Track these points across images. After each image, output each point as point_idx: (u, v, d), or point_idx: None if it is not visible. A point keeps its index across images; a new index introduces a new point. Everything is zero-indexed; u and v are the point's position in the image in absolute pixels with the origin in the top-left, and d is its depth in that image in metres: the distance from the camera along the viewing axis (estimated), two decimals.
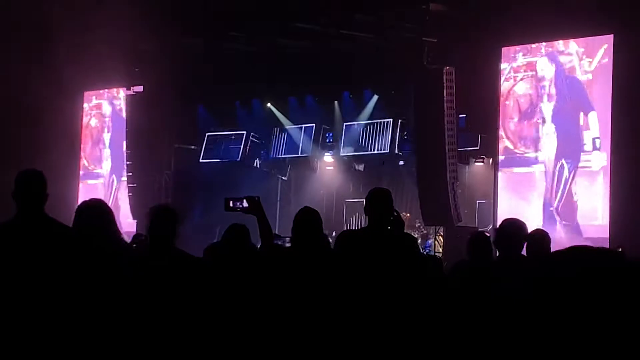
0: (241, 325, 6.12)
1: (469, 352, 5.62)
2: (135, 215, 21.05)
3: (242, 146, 23.26)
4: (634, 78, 15.54)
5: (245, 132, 23.21)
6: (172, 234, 6.03)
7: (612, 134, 15.95)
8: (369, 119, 21.65)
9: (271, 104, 22.85)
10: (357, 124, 21.84)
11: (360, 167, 22.46)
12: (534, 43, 17.33)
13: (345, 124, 22.08)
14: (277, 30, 19.27)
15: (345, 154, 22.29)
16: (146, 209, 6.60)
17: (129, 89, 22.23)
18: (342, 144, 22.24)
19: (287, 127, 22.77)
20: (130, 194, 21.87)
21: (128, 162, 22.17)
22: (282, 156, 23.19)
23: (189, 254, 6.39)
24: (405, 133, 21.11)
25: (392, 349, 5.66)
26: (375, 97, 21.34)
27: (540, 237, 6.99)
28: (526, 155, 17.31)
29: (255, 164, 23.42)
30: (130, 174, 22.09)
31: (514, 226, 6.85)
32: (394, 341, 5.67)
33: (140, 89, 22.02)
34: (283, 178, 23.72)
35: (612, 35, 16.09)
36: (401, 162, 21.66)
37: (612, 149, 15.92)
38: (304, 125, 22.61)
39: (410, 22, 18.11)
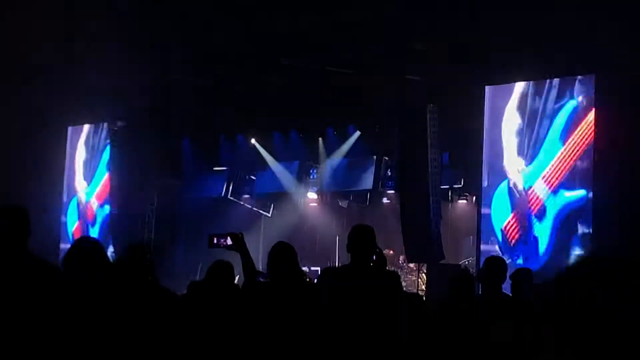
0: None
1: None
2: (116, 249, 20.99)
3: (226, 182, 23.28)
4: (615, 117, 15.66)
5: (228, 168, 23.23)
6: (149, 272, 6.13)
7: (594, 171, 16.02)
8: (352, 156, 21.70)
9: (255, 140, 22.90)
10: (341, 160, 21.89)
11: (344, 204, 22.49)
12: (517, 82, 17.43)
13: (328, 160, 22.14)
14: (262, 66, 19.34)
15: (329, 191, 22.33)
16: (130, 242, 6.66)
17: (113, 124, 22.24)
18: (325, 180, 22.27)
19: (271, 163, 22.80)
20: (111, 228, 21.81)
21: (111, 197, 22.12)
22: (266, 192, 23.20)
23: (169, 290, 6.40)
24: (388, 170, 21.19)
25: None
26: (358, 133, 21.40)
27: (523, 277, 7.04)
28: None
29: (239, 200, 23.43)
30: (115, 211, 22.05)
31: (497, 264, 6.90)
32: None
33: (124, 123, 22.05)
34: (266, 214, 23.70)
35: (594, 74, 16.21)
36: (385, 200, 21.72)
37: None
38: (289, 162, 22.67)
39: (394, 60, 18.21)
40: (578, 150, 16.28)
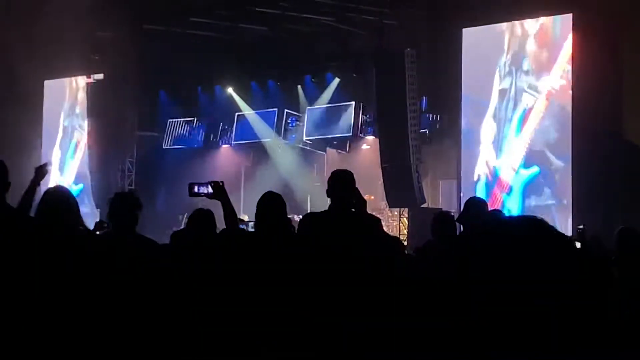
0: (204, 310, 6.12)
1: (432, 333, 5.67)
2: (97, 202, 20.94)
3: (204, 132, 23.23)
4: (592, 56, 15.67)
5: (207, 119, 23.17)
6: (134, 220, 6.13)
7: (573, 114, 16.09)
8: (330, 103, 21.66)
9: (233, 90, 22.80)
10: (320, 107, 21.85)
11: (324, 151, 22.47)
12: (494, 23, 17.40)
13: (308, 107, 22.07)
14: (238, 15, 19.21)
15: (309, 138, 22.29)
16: (109, 196, 6.63)
17: (89, 76, 22.09)
18: (305, 128, 22.23)
19: (248, 112, 22.73)
20: (92, 182, 21.76)
21: (90, 150, 22.04)
22: (245, 141, 23.16)
23: (152, 240, 6.40)
24: (367, 116, 21.16)
25: (354, 329, 5.70)
26: (337, 80, 21.34)
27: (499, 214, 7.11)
28: None
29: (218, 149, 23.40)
30: (93, 161, 21.98)
31: (477, 205, 6.93)
32: (357, 322, 5.70)
33: (100, 76, 21.91)
34: (246, 164, 23.66)
35: (571, 14, 16.19)
36: (365, 146, 21.72)
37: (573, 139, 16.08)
38: (266, 110, 22.61)
39: (372, 5, 18.11)
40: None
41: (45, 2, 17.96)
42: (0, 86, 20.73)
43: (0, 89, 20.79)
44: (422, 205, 17.75)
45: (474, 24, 17.57)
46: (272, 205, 6.40)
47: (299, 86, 22.18)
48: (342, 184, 6.29)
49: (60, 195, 5.72)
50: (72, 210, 5.60)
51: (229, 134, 23.30)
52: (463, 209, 7.01)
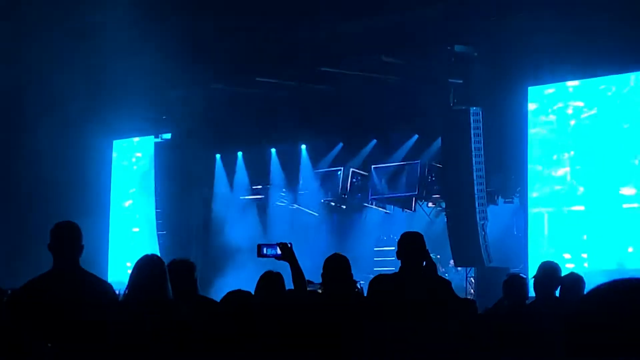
0: None
1: None
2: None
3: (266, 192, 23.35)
4: None
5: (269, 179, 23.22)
6: (193, 286, 6.25)
7: None
8: (395, 161, 21.60)
9: (306, 149, 22.78)
10: (385, 166, 21.81)
11: (389, 210, 22.39)
12: (560, 82, 17.32)
13: (373, 166, 22.03)
14: (304, 75, 19.38)
15: (375, 197, 22.24)
16: (176, 256, 6.71)
17: (157, 136, 22.39)
18: (371, 187, 22.18)
19: (316, 171, 22.76)
20: (160, 241, 21.91)
21: (158, 210, 22.24)
22: (314, 201, 23.17)
23: (214, 301, 6.43)
24: (432, 175, 21.04)
25: None
26: (415, 137, 21.17)
27: (574, 281, 7.00)
28: None
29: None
30: (160, 221, 22.16)
31: (551, 269, 6.86)
32: None
33: (168, 136, 22.22)
34: (313, 222, 23.63)
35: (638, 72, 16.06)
36: (430, 204, 21.59)
37: None
38: (332, 169, 22.62)
39: (436, 64, 18.14)
40: None
41: (113, 61, 18.29)
42: (70, 146, 21.07)
43: (69, 149, 21.13)
44: (490, 265, 17.55)
45: (539, 83, 17.53)
46: (339, 266, 6.40)
47: (364, 146, 22.12)
48: (412, 246, 6.26)
49: (156, 265, 5.74)
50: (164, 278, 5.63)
51: (296, 192, 23.32)
52: (537, 273, 6.93)
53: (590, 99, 16.97)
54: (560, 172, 17.30)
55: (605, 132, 16.64)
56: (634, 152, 16.23)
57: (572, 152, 17.14)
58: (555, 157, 17.38)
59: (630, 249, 15.95)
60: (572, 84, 17.23)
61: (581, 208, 16.86)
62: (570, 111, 17.23)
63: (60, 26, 17.50)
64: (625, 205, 16.21)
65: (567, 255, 16.57)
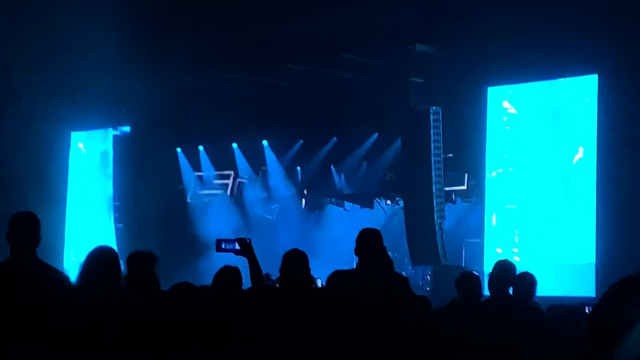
0: None
1: None
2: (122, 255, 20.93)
3: (230, 186, 23.27)
4: (618, 119, 15.69)
5: (232, 172, 23.19)
6: (152, 279, 6.26)
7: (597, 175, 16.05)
8: (357, 160, 21.68)
9: (263, 144, 22.77)
10: (345, 164, 21.89)
11: (348, 208, 22.47)
12: (517, 83, 17.47)
13: (333, 164, 22.10)
14: (268, 70, 19.38)
15: (334, 194, 22.31)
16: (134, 249, 6.72)
17: (116, 129, 22.27)
18: (331, 185, 22.26)
19: (274, 167, 22.77)
20: (117, 234, 21.82)
21: (115, 203, 22.15)
22: (269, 196, 23.20)
23: (175, 297, 6.42)
24: (392, 173, 21.15)
25: None
26: (375, 135, 21.23)
27: (527, 280, 7.11)
28: None
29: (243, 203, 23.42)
30: (118, 214, 22.07)
31: (506, 268, 6.95)
32: None
33: (127, 129, 22.12)
34: (270, 217, 23.67)
35: (597, 74, 16.23)
36: (388, 202, 21.71)
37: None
38: (292, 166, 22.66)
39: (397, 63, 18.21)
40: None
41: (73, 53, 18.16)
42: (26, 138, 20.89)
43: (26, 141, 20.94)
44: (446, 264, 17.67)
45: (499, 83, 17.68)
46: (297, 262, 6.43)
47: (325, 143, 22.18)
48: (370, 243, 6.30)
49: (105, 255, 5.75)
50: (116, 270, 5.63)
51: (254, 187, 23.33)
52: (492, 271, 7.03)
53: (533, 101, 17.20)
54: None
55: (539, 134, 16.91)
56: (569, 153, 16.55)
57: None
58: (506, 155, 17.52)
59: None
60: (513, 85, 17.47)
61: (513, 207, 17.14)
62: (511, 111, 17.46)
63: (19, 19, 17.35)
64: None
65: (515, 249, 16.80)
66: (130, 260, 6.66)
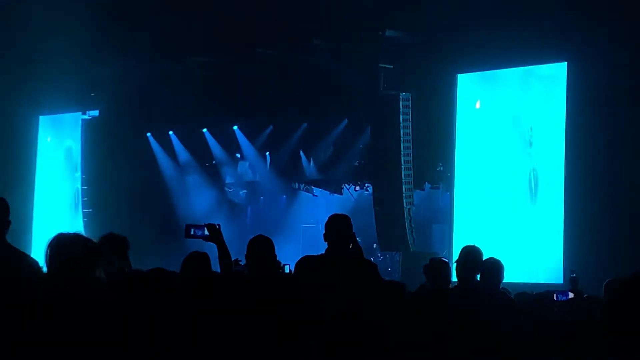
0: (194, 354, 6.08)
1: None
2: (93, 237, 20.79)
3: (200, 170, 23.20)
4: (586, 105, 15.79)
5: (203, 157, 23.09)
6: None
7: (565, 161, 16.15)
8: (327, 145, 21.67)
9: (234, 129, 22.68)
10: (315, 150, 21.88)
11: (317, 194, 22.49)
12: (488, 70, 17.53)
13: (301, 150, 22.08)
14: (236, 55, 19.29)
15: (304, 180, 22.33)
16: (102, 234, 6.69)
17: (84, 113, 22.14)
18: (300, 170, 22.26)
19: (246, 152, 22.71)
20: (85, 219, 21.71)
21: (84, 187, 22.03)
22: (243, 181, 23.17)
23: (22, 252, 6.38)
24: (361, 159, 21.16)
25: None
26: (345, 121, 21.18)
27: (493, 265, 7.15)
28: None
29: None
30: (86, 199, 21.96)
31: (473, 253, 6.98)
32: None
33: (96, 113, 21.99)
34: (239, 202, 23.62)
35: (566, 62, 16.31)
36: (357, 188, 21.74)
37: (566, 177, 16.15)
38: (264, 152, 22.63)
39: (367, 48, 18.21)
40: None
41: (40, 36, 18.01)
42: None
43: None
44: (415, 249, 17.73)
45: (468, 70, 17.73)
46: (263, 247, 6.42)
47: (296, 128, 22.13)
48: (339, 229, 6.31)
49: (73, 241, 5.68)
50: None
51: (225, 173, 23.28)
52: (459, 257, 7.05)
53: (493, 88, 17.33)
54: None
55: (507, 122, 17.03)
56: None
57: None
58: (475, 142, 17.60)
59: None
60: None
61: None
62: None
63: None
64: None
65: None
66: (103, 241, 6.59)
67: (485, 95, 17.56)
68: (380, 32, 17.54)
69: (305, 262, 6.45)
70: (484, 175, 17.36)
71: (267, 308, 5.94)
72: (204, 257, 6.95)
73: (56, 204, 22.95)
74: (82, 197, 22.09)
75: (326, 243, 6.38)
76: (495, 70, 17.45)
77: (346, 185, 21.99)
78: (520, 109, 16.95)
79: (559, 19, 15.34)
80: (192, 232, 6.99)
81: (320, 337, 5.66)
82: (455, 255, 7.40)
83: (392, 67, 17.84)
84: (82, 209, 22.03)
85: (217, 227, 6.83)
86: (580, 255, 15.09)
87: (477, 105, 17.56)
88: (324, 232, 6.36)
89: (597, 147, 15.55)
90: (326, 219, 6.49)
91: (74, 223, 21.67)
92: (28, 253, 6.26)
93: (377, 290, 6.14)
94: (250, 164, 22.95)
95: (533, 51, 16.29)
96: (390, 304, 6.06)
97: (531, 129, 16.75)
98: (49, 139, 23.45)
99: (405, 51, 17.64)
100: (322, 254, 6.38)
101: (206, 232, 6.84)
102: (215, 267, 7.01)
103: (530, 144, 16.71)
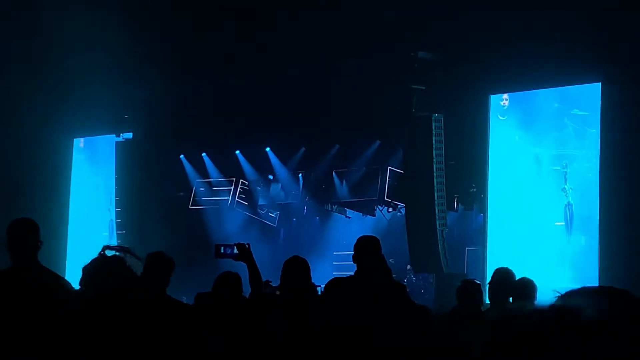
0: None
1: None
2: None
3: (233, 192, 23.24)
4: (621, 127, 15.65)
5: (236, 178, 23.15)
6: (165, 281, 6.25)
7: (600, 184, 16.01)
8: (358, 167, 21.64)
9: (266, 150, 22.72)
10: (347, 171, 21.86)
11: (350, 215, 22.45)
12: (521, 91, 17.45)
13: (334, 171, 22.06)
14: (267, 75, 19.36)
15: (336, 201, 22.30)
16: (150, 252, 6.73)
17: (118, 135, 22.28)
18: (331, 192, 22.22)
19: (279, 174, 22.73)
20: (118, 240, 21.80)
21: (117, 209, 22.15)
22: (274, 202, 23.17)
23: (178, 301, 6.41)
24: (394, 180, 21.10)
25: None
26: (377, 142, 21.16)
27: (525, 285, 7.08)
28: None
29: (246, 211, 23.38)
30: (119, 220, 22.07)
31: (505, 275, 6.93)
32: None
33: (129, 135, 22.13)
34: (272, 224, 23.63)
35: (600, 83, 16.19)
36: (389, 209, 21.67)
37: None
38: (298, 173, 22.62)
39: (399, 70, 18.20)
40: None
41: (75, 59, 18.17)
42: (28, 145, 20.87)
43: (28, 148, 20.92)
44: (448, 271, 17.63)
45: (501, 91, 17.65)
46: (297, 268, 6.40)
47: (330, 149, 22.11)
48: (368, 250, 6.29)
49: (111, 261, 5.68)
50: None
51: (255, 194, 23.29)
52: (491, 279, 7.00)
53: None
54: None
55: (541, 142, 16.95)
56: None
57: None
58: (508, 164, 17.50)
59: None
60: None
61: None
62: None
63: (19, 24, 17.38)
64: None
65: None
66: (153, 260, 6.59)
67: (517, 115, 17.47)
68: (412, 53, 17.54)
69: (334, 284, 6.44)
70: (518, 197, 17.25)
71: (297, 329, 5.93)
72: (236, 277, 6.95)
73: (90, 226, 23.08)
74: (116, 219, 22.21)
75: (355, 264, 6.37)
76: (527, 91, 17.36)
77: (379, 206, 21.94)
78: (552, 129, 16.87)
79: (592, 38, 15.23)
80: (222, 251, 7.01)
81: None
82: (489, 277, 7.34)
83: (424, 88, 17.82)
84: (116, 230, 22.14)
85: (247, 246, 6.84)
86: (615, 280, 14.90)
87: (501, 118, 17.53)
88: (352, 253, 6.35)
89: (633, 171, 15.41)
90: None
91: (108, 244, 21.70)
92: (62, 275, 6.30)
93: (402, 313, 6.10)
94: (282, 186, 22.97)
95: (566, 72, 16.19)
96: (418, 326, 6.03)
97: (565, 149, 16.67)
98: (85, 161, 23.63)
99: (437, 72, 17.60)
100: (351, 276, 6.36)
101: (236, 251, 6.85)
102: (247, 287, 7.01)
103: (565, 173, 16.61)
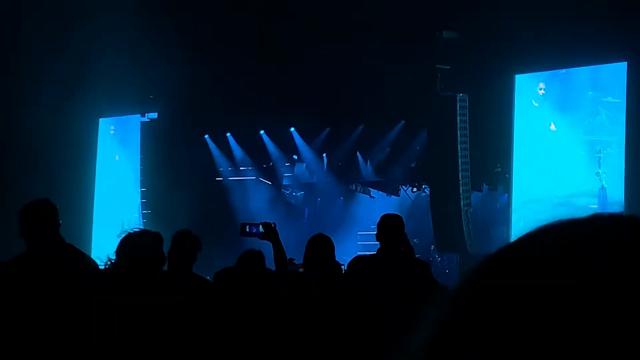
0: (248, 351, 6.13)
1: None
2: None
3: (258, 171, 23.34)
4: None
5: (261, 158, 23.22)
6: (192, 259, 6.31)
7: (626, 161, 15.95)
8: (384, 147, 21.66)
9: (290, 130, 22.77)
10: (371, 152, 21.88)
11: (374, 195, 22.48)
12: (546, 70, 17.37)
13: (359, 151, 22.09)
14: (290, 56, 19.35)
15: (361, 181, 22.34)
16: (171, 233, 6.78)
17: (143, 115, 22.36)
18: (357, 172, 22.27)
19: (303, 154, 22.78)
20: (144, 220, 21.91)
21: (143, 189, 22.25)
22: (297, 183, 23.24)
23: (204, 278, 6.47)
24: (418, 161, 21.10)
25: None
26: (402, 123, 21.13)
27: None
28: None
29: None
30: (145, 200, 22.18)
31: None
32: None
33: (154, 115, 22.20)
34: (296, 203, 23.71)
35: (626, 62, 16.09)
36: (414, 189, 21.68)
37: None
38: (323, 153, 22.68)
39: (424, 49, 18.14)
40: None
41: (99, 38, 18.22)
42: (54, 125, 20.95)
43: (54, 128, 21.00)
44: (472, 251, 17.63)
45: (526, 71, 17.58)
46: (321, 247, 6.43)
47: (352, 130, 22.15)
48: (391, 228, 6.31)
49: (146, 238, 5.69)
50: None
51: (283, 173, 23.38)
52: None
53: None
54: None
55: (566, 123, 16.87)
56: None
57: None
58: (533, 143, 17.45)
59: None
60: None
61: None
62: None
63: (41, 6, 17.47)
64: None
65: None
66: (181, 238, 6.67)
67: (543, 96, 17.40)
68: (437, 33, 17.46)
69: (357, 262, 6.47)
70: (542, 177, 17.20)
71: (320, 306, 5.97)
72: (259, 255, 6.99)
73: (116, 205, 23.21)
74: (141, 199, 22.32)
75: (378, 242, 6.39)
76: (553, 71, 17.29)
77: (403, 186, 21.96)
78: (578, 109, 16.81)
79: (618, 17, 15.11)
80: (247, 230, 7.06)
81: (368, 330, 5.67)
82: None
83: (448, 68, 17.76)
84: (141, 210, 22.26)
85: (273, 225, 6.88)
86: None
87: (535, 104, 17.46)
88: (376, 231, 6.37)
89: None
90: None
91: (133, 224, 21.82)
92: (88, 254, 6.34)
93: (427, 289, 6.13)
94: (307, 166, 23.02)
95: (591, 52, 16.10)
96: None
97: (590, 130, 16.61)
98: (110, 141, 23.74)
99: (462, 52, 17.53)
100: (373, 254, 6.39)
101: (261, 230, 6.89)
102: (270, 265, 7.05)
103: (599, 158, 16.57)
